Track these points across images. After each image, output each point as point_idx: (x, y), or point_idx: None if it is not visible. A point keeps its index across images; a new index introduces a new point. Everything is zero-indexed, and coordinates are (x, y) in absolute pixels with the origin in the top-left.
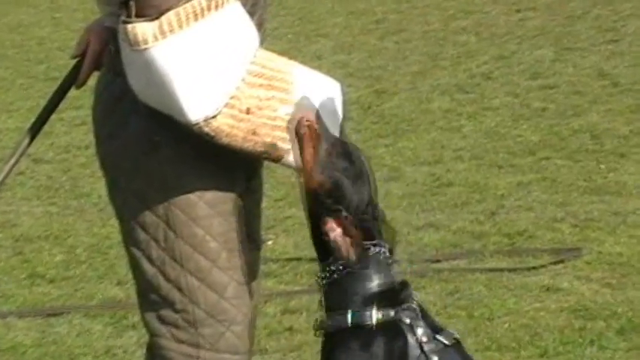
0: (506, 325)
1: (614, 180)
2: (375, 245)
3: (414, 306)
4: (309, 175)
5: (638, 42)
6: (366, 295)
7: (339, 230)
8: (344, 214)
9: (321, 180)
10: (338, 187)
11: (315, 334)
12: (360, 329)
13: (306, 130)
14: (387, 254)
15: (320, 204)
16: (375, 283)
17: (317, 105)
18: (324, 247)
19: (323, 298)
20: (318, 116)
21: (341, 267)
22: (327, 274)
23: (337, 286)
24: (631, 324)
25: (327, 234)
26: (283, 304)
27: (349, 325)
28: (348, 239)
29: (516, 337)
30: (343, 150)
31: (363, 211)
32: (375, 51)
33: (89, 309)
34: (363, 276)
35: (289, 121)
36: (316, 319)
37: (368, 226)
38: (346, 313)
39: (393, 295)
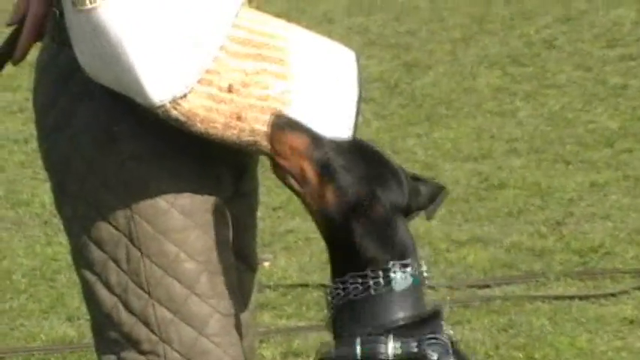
0: None
1: None
2: (406, 265)
3: (444, 338)
4: (317, 196)
5: None
6: (385, 325)
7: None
8: (371, 213)
9: (328, 201)
10: (344, 192)
11: None
12: None
13: (302, 161)
14: (422, 275)
15: (338, 217)
16: (398, 312)
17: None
18: (343, 262)
19: (331, 322)
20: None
21: (361, 285)
22: (342, 292)
23: (351, 308)
24: None
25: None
26: (285, 345)
27: (358, 357)
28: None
29: None
30: (358, 150)
31: (395, 205)
32: (403, 11)
33: (31, 352)
34: (387, 302)
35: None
36: (319, 347)
37: (401, 233)
38: (355, 342)
39: (418, 324)
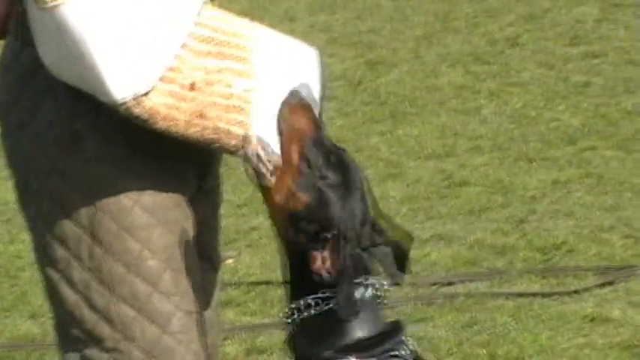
0: None
1: None
2: (365, 286)
3: (405, 354)
4: (290, 192)
5: None
6: (345, 344)
7: (327, 264)
8: (334, 243)
9: (305, 200)
10: (325, 208)
11: None
12: None
13: (295, 131)
14: (379, 293)
15: (300, 229)
16: (358, 331)
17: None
18: (302, 277)
19: (290, 342)
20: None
21: (320, 301)
22: (300, 309)
23: (310, 326)
24: None
25: (316, 272)
26: (249, 342)
27: None
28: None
29: None
30: (336, 157)
31: (358, 234)
32: (365, 10)
33: None
34: (343, 321)
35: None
36: None
37: (361, 259)
38: None
39: (378, 341)
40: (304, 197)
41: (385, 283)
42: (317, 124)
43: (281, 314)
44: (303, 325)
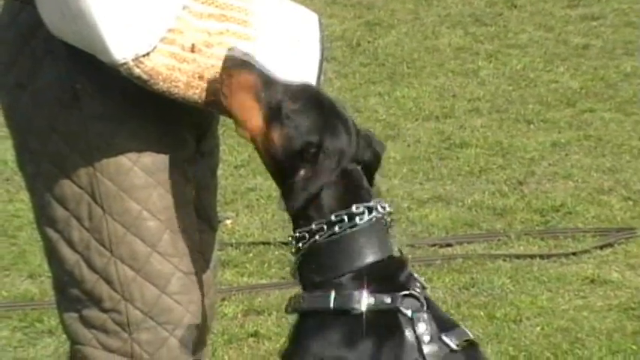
0: (538, 329)
1: None
2: (368, 208)
3: (418, 292)
4: (264, 134)
5: None
6: (355, 270)
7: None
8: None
9: (279, 133)
10: (300, 130)
11: (287, 312)
12: (345, 316)
13: (232, 80)
14: (385, 216)
15: (289, 159)
16: (367, 254)
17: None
18: (303, 210)
19: (297, 269)
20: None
21: (325, 227)
22: (305, 236)
23: (317, 254)
24: None
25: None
26: (246, 303)
27: (331, 308)
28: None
29: (551, 343)
30: (295, 87)
31: (343, 153)
32: None
33: None
34: (353, 243)
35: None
36: (290, 298)
37: (358, 178)
38: (329, 292)
39: (391, 275)
40: (278, 131)
41: (388, 206)
42: (261, 71)
43: (291, 237)
44: (310, 253)
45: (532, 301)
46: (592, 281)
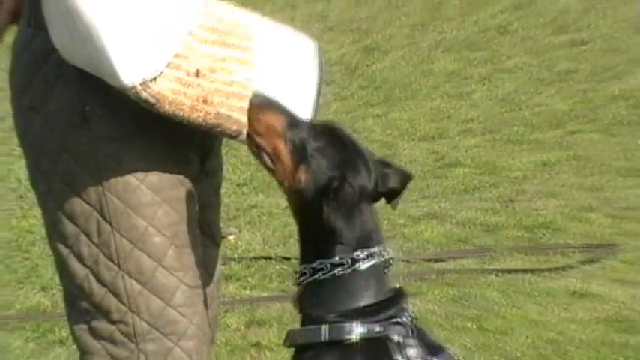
0: (527, 340)
1: None
2: (371, 254)
3: (406, 320)
4: (291, 174)
5: None
6: (350, 309)
7: (338, 215)
8: (342, 195)
9: (306, 171)
10: (324, 167)
11: (285, 345)
12: (338, 346)
13: (275, 140)
14: (386, 261)
15: (314, 196)
16: (362, 296)
17: (293, 71)
18: (313, 244)
19: (297, 300)
20: (282, 108)
21: (327, 266)
22: (310, 272)
23: (318, 288)
24: None
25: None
26: (248, 314)
27: (325, 339)
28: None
29: (540, 355)
30: (329, 134)
31: (363, 190)
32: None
33: (6, 320)
34: (351, 286)
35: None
36: (287, 332)
37: (369, 224)
38: (321, 325)
39: (382, 307)
40: (303, 170)
41: (391, 253)
42: (286, 112)
43: (295, 271)
44: (311, 287)
45: (521, 313)
46: (578, 295)
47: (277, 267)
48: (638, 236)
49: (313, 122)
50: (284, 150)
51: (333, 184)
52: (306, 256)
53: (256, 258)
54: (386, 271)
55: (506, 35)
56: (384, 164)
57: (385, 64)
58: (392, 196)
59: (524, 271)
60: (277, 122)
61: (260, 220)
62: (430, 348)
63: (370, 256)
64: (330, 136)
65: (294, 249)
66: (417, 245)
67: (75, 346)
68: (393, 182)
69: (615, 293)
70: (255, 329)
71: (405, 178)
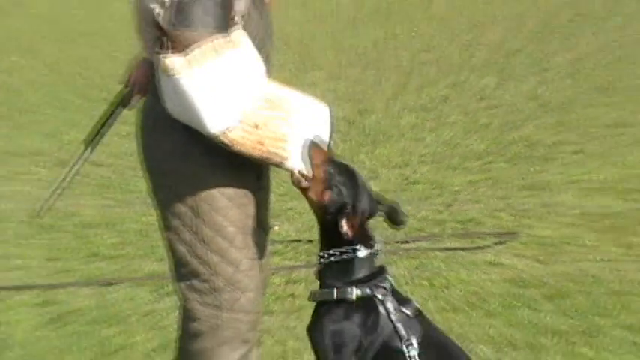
0: (460, 292)
1: (543, 179)
2: (366, 246)
3: (386, 285)
4: (320, 193)
5: (562, 72)
6: (352, 279)
7: (349, 228)
8: (351, 215)
9: (329, 194)
10: (341, 196)
11: (309, 300)
12: (343, 302)
13: (317, 160)
14: (375, 250)
15: (329, 211)
16: (359, 272)
17: (310, 129)
18: (329, 238)
19: (319, 273)
20: (318, 148)
21: (338, 253)
22: (326, 257)
23: (331, 267)
24: (557, 291)
25: (343, 229)
26: (286, 276)
27: (335, 298)
28: (354, 232)
29: (467, 301)
30: (344, 168)
31: (365, 212)
32: (357, 79)
33: (136, 280)
34: (353, 266)
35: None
36: (310, 292)
37: (367, 231)
38: (333, 290)
39: (371, 277)
40: (328, 194)
41: (379, 246)
42: (328, 154)
43: (318, 255)
44: (327, 266)
45: (456, 276)
46: (492, 264)
47: (305, 246)
48: (531, 227)
49: (339, 162)
50: (320, 176)
51: (347, 207)
52: (324, 245)
53: (291, 241)
54: (375, 257)
55: (446, 102)
56: (379, 198)
57: (371, 120)
58: (389, 217)
59: (458, 249)
60: (322, 157)
61: (294, 217)
62: (401, 300)
63: (365, 248)
64: (349, 174)
65: (315, 235)
66: (391, 233)
67: (177, 299)
68: (383, 208)
69: (515, 263)
70: (291, 286)
71: (395, 207)
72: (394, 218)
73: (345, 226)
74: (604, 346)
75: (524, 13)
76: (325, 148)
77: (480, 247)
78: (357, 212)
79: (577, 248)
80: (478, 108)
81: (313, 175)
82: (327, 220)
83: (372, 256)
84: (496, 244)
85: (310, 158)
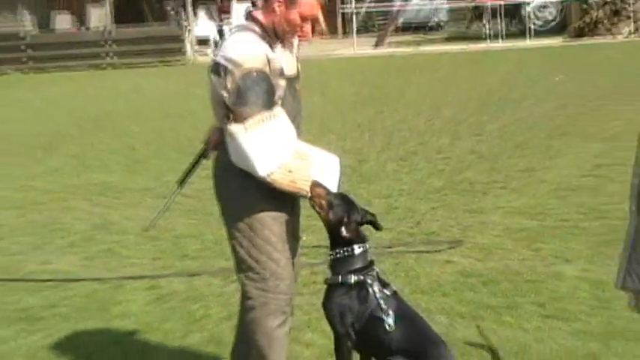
0: (425, 281)
1: (480, 206)
2: (360, 246)
3: (374, 273)
4: (326, 215)
5: (493, 135)
6: (351, 269)
7: (348, 232)
8: (350, 226)
9: (332, 214)
10: (341, 215)
11: (324, 283)
12: (346, 284)
13: (322, 201)
14: (366, 250)
15: (334, 224)
16: (356, 264)
17: (325, 173)
18: (336, 242)
19: (330, 266)
20: (325, 187)
21: (342, 252)
22: (334, 255)
23: (338, 261)
24: (490, 280)
25: (344, 236)
26: (309, 269)
27: (340, 282)
28: (351, 235)
29: (430, 287)
30: (342, 198)
31: (360, 221)
32: (357, 140)
33: (212, 273)
34: (351, 261)
35: (314, 192)
36: (325, 278)
37: (360, 233)
38: (339, 276)
39: (364, 268)
40: (332, 214)
41: (367, 245)
42: (328, 190)
43: (328, 254)
44: (335, 260)
45: (423, 270)
46: (447, 262)
47: (323, 250)
48: (473, 238)
49: (336, 192)
50: (325, 205)
51: (344, 220)
52: (332, 246)
53: (313, 246)
54: (366, 254)
55: (416, 155)
56: (365, 211)
57: (367, 166)
58: (372, 224)
59: (424, 252)
60: (324, 193)
61: (315, 230)
62: (383, 284)
63: (359, 247)
64: (344, 198)
65: (327, 242)
66: (379, 241)
67: (239, 284)
68: (370, 217)
69: (462, 261)
70: (314, 276)
71: (374, 217)
72: (375, 224)
73: (344, 231)
74: (521, 315)
75: (467, 95)
76: (326, 187)
77: (438, 251)
78: (351, 220)
79: (502, 251)
80: (437, 159)
81: (320, 203)
82: (333, 229)
83: (364, 254)
84: (449, 248)
85: (316, 194)
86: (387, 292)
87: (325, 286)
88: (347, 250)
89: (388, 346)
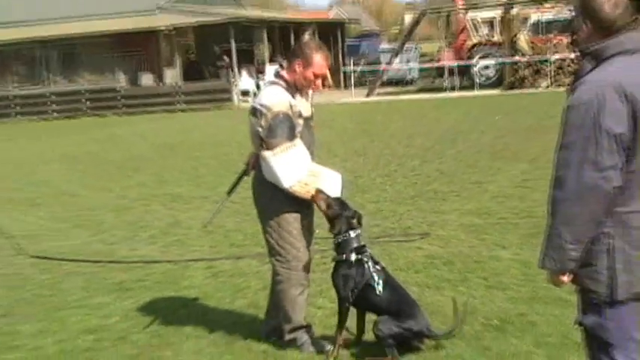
0: (403, 262)
1: (442, 209)
2: (354, 230)
3: (368, 253)
4: (326, 211)
5: (449, 159)
6: (351, 249)
7: (342, 225)
8: (343, 219)
9: (331, 212)
10: (338, 211)
11: (332, 260)
12: (348, 261)
13: (323, 203)
14: (359, 234)
15: (333, 219)
16: (354, 245)
17: (331, 185)
18: (335, 231)
19: (335, 248)
20: (327, 194)
21: (343, 237)
22: (337, 240)
23: (340, 244)
24: (448, 261)
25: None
26: (320, 254)
27: (344, 259)
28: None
29: (406, 267)
30: (338, 200)
31: (351, 216)
32: (355, 162)
33: (251, 256)
34: (350, 242)
35: (317, 197)
36: (332, 257)
37: (353, 223)
38: (342, 255)
39: (361, 249)
40: (331, 211)
41: (359, 231)
42: (329, 196)
43: (333, 240)
44: (337, 244)
45: (402, 254)
46: (418, 248)
47: (330, 240)
48: (436, 231)
49: (334, 197)
50: (325, 206)
51: (340, 216)
52: (335, 234)
53: (323, 238)
54: (359, 236)
55: (396, 173)
56: (355, 211)
57: (361, 181)
58: (357, 219)
59: (403, 241)
60: (325, 197)
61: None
62: (374, 262)
63: (353, 232)
64: (340, 201)
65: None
66: (371, 234)
67: (270, 265)
68: (357, 214)
69: (429, 248)
70: (324, 258)
71: (360, 215)
72: (359, 220)
73: (338, 223)
74: (471, 286)
75: (432, 130)
76: (327, 194)
77: (412, 240)
78: (344, 215)
79: (457, 241)
80: (411, 175)
81: (322, 204)
82: (333, 223)
83: (357, 237)
84: (420, 239)
85: (319, 199)
86: (378, 267)
87: (332, 264)
88: (345, 235)
89: (378, 305)
